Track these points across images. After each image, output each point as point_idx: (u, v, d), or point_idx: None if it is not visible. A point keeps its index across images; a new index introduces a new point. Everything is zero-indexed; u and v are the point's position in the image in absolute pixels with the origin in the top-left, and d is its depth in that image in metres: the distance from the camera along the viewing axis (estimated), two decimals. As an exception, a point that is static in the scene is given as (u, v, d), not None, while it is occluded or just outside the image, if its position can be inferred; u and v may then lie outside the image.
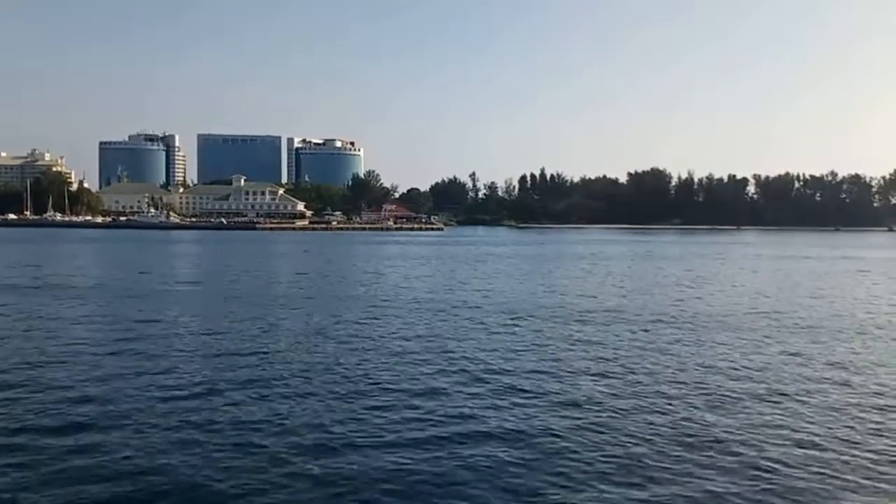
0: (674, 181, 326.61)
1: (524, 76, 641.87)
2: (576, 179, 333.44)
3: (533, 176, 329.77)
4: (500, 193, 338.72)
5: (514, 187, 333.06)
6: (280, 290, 44.37)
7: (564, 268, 67.04)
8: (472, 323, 30.39)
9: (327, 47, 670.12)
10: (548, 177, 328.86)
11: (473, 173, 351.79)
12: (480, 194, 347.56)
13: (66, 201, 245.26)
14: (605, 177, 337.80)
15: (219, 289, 44.22)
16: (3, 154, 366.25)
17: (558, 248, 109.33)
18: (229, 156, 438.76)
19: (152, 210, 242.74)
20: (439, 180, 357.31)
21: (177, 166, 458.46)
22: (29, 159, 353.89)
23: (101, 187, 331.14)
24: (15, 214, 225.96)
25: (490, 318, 31.89)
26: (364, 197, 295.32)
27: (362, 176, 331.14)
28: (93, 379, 19.03)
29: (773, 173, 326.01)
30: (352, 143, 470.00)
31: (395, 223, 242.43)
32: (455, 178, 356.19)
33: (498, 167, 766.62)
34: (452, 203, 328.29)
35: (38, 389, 17.73)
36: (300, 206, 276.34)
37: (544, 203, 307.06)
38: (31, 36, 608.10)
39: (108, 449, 13.42)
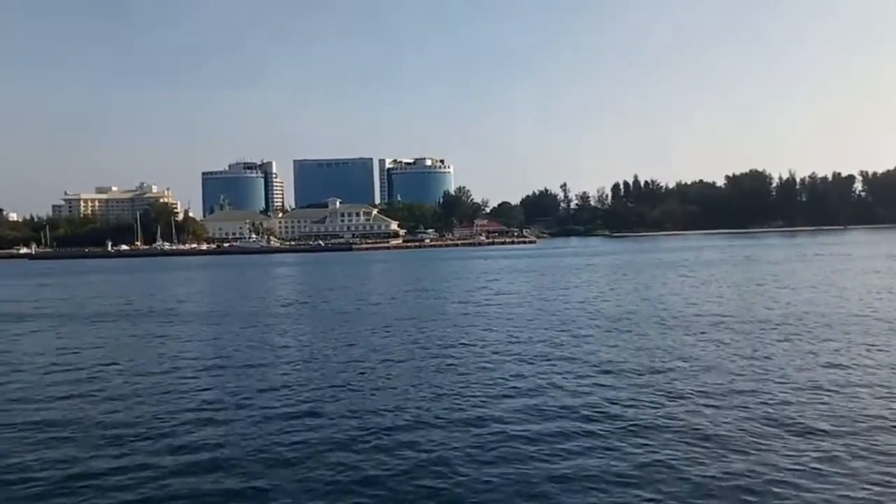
0: (774, 182, 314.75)
1: (611, 85, 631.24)
2: (671, 185, 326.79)
3: (626, 183, 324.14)
4: (592, 203, 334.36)
5: (606, 196, 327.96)
6: (391, 308, 44.93)
7: (681, 275, 65.38)
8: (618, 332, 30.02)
9: (415, 65, 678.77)
10: (641, 183, 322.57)
11: (564, 184, 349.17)
12: (572, 205, 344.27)
13: (174, 230, 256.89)
14: (701, 181, 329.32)
15: (326, 308, 45.20)
16: (115, 189, 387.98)
17: (659, 256, 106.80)
18: (324, 179, 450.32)
19: (254, 235, 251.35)
20: (530, 193, 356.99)
21: (275, 192, 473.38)
22: (138, 192, 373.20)
23: (204, 216, 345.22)
24: (127, 245, 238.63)
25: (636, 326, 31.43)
26: (455, 213, 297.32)
27: (453, 192, 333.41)
28: (230, 393, 19.86)
29: (881, 169, 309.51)
30: (441, 161, 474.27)
31: (487, 238, 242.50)
32: (546, 190, 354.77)
33: (589, 177, 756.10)
34: (544, 215, 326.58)
35: (177, 407, 18.61)
36: (393, 226, 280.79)
37: (638, 210, 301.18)
38: (142, 83, 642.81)
39: (235, 468, 13.98)
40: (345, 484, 13.06)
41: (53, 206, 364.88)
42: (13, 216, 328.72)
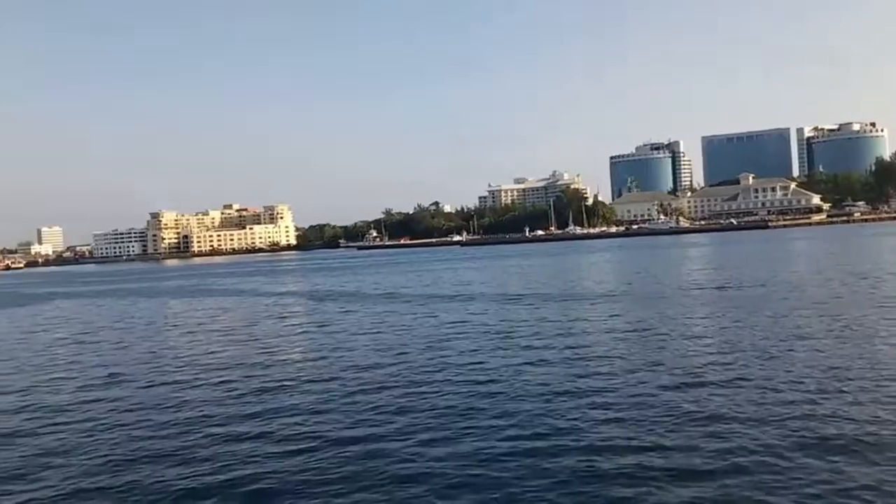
0: None
1: None
2: None
3: None
4: None
5: None
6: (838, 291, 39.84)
7: None
8: None
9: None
10: None
11: None
12: None
13: (584, 215, 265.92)
14: None
15: (751, 291, 41.69)
16: (530, 178, 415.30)
17: None
18: (734, 155, 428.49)
19: (662, 216, 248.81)
20: None
21: (683, 171, 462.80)
22: (551, 180, 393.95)
23: (613, 199, 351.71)
24: (542, 230, 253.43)
25: None
26: (891, 183, 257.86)
27: (888, 158, 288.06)
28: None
29: None
30: (872, 125, 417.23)
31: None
32: None
33: None
34: None
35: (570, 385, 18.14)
36: (815, 200, 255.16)
37: None
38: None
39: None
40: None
41: (479, 198, 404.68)
42: (447, 208, 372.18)
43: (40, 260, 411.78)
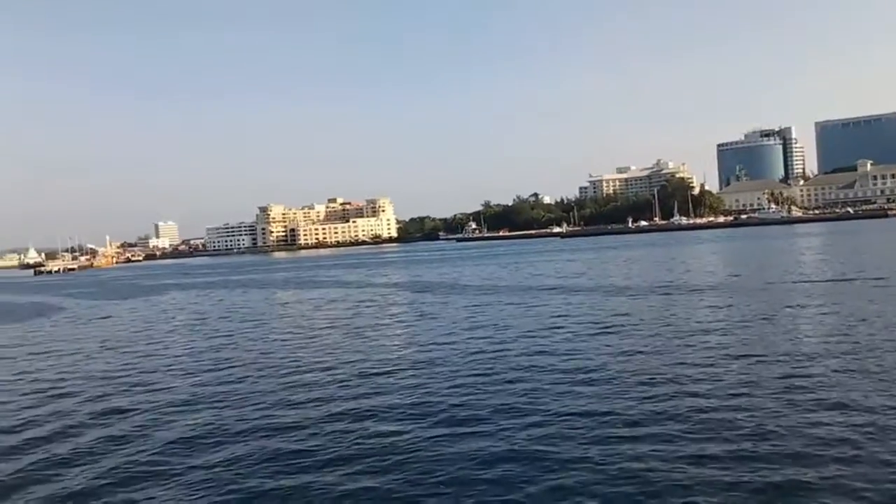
0: None
1: None
2: None
3: None
4: None
5: None
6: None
7: None
8: None
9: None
10: None
11: None
12: None
13: (690, 205, 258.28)
14: None
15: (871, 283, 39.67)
16: (633, 167, 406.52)
17: None
18: (851, 141, 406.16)
19: (773, 206, 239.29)
20: None
21: (794, 158, 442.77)
22: (655, 169, 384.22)
23: (720, 188, 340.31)
24: (646, 221, 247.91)
25: None
26: None
27: None
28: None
29: None
30: None
31: None
32: None
33: None
34: None
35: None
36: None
37: None
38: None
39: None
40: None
41: (580, 188, 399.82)
42: (547, 199, 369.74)
43: (158, 253, 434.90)
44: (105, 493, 13.07)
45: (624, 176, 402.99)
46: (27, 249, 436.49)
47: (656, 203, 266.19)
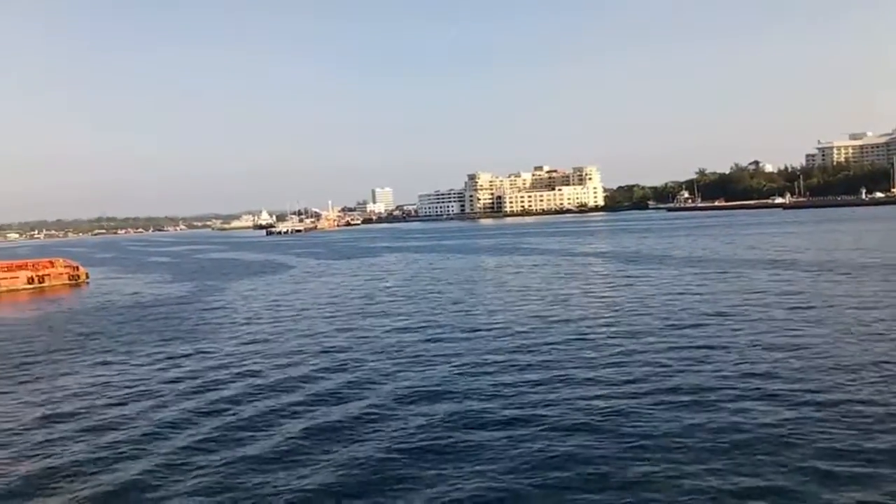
0: None
1: None
2: None
3: None
4: None
5: None
6: None
7: None
8: None
9: None
10: None
11: None
12: None
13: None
14: None
15: None
16: (869, 133, 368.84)
17: None
18: None
19: None
20: None
21: None
22: (893, 136, 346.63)
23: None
24: (882, 193, 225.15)
25: None
26: None
27: None
28: None
29: None
30: None
31: None
32: None
33: None
34: None
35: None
36: None
37: None
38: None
39: None
40: None
41: (807, 156, 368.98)
42: (768, 167, 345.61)
43: (374, 217, 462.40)
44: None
45: (858, 143, 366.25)
46: (260, 212, 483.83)
47: (894, 173, 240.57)
